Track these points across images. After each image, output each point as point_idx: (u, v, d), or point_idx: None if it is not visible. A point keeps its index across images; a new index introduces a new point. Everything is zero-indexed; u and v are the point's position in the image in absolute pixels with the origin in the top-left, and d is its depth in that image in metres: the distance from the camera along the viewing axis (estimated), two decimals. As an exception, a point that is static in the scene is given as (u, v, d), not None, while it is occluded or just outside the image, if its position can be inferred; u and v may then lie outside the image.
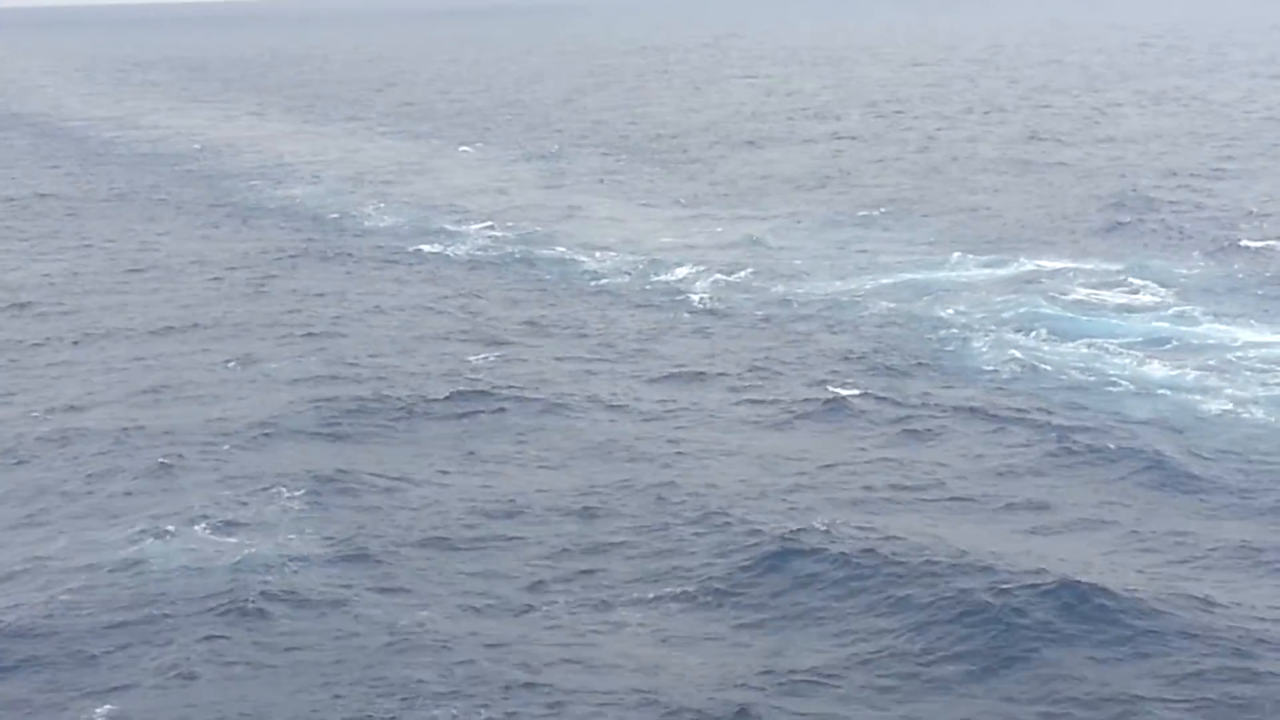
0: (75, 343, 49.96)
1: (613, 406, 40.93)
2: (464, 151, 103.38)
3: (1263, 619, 26.42)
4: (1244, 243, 60.35)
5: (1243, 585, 28.17)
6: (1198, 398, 39.80)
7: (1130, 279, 54.17)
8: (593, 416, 40.05)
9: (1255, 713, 23.45)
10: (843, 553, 29.31)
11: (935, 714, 23.91)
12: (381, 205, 78.38)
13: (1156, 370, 42.54)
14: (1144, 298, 51.74)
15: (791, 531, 30.46)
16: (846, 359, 45.27)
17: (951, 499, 33.29)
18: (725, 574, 29.03)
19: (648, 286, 57.03)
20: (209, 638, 26.59)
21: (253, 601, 27.71)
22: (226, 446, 37.43)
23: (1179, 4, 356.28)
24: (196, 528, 31.51)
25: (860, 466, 35.46)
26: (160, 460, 36.28)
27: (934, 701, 24.28)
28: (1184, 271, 55.25)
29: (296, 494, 33.57)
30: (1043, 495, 33.27)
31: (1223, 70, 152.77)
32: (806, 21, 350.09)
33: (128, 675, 25.58)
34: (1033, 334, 47.01)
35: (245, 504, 33.07)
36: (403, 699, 24.31)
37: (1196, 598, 27.22)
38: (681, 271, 59.20)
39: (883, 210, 71.90)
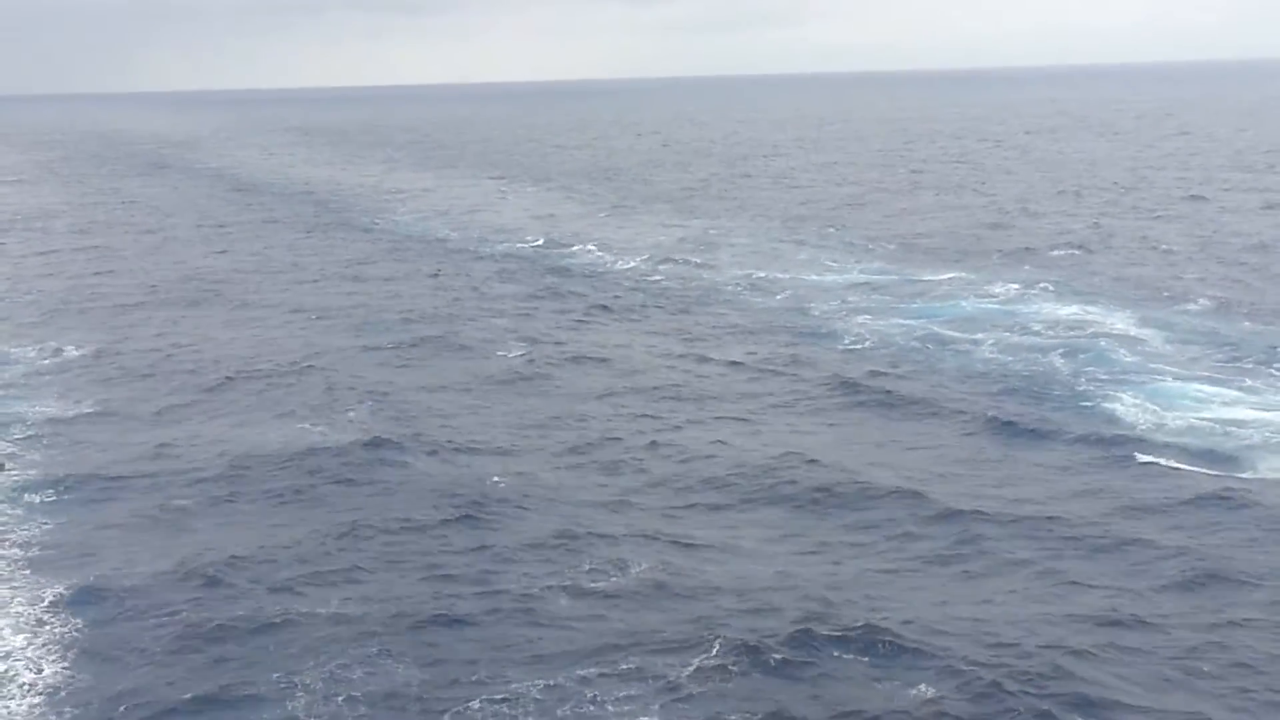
0: (244, 306, 57.80)
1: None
2: (507, 186, 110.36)
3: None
4: (1059, 251, 66.09)
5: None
6: (990, 348, 45.39)
7: (988, 281, 58.72)
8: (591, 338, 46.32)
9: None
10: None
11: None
12: (456, 225, 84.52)
13: (972, 334, 47.75)
14: (996, 290, 56.35)
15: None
16: (740, 329, 50.86)
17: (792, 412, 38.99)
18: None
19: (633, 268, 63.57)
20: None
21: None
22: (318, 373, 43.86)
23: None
24: (304, 424, 37.62)
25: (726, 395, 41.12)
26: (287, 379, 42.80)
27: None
28: (1022, 274, 60.03)
29: (368, 403, 39.53)
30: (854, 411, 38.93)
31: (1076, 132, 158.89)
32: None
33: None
34: (891, 318, 51.50)
35: (333, 409, 39.23)
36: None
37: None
38: (646, 259, 66.89)
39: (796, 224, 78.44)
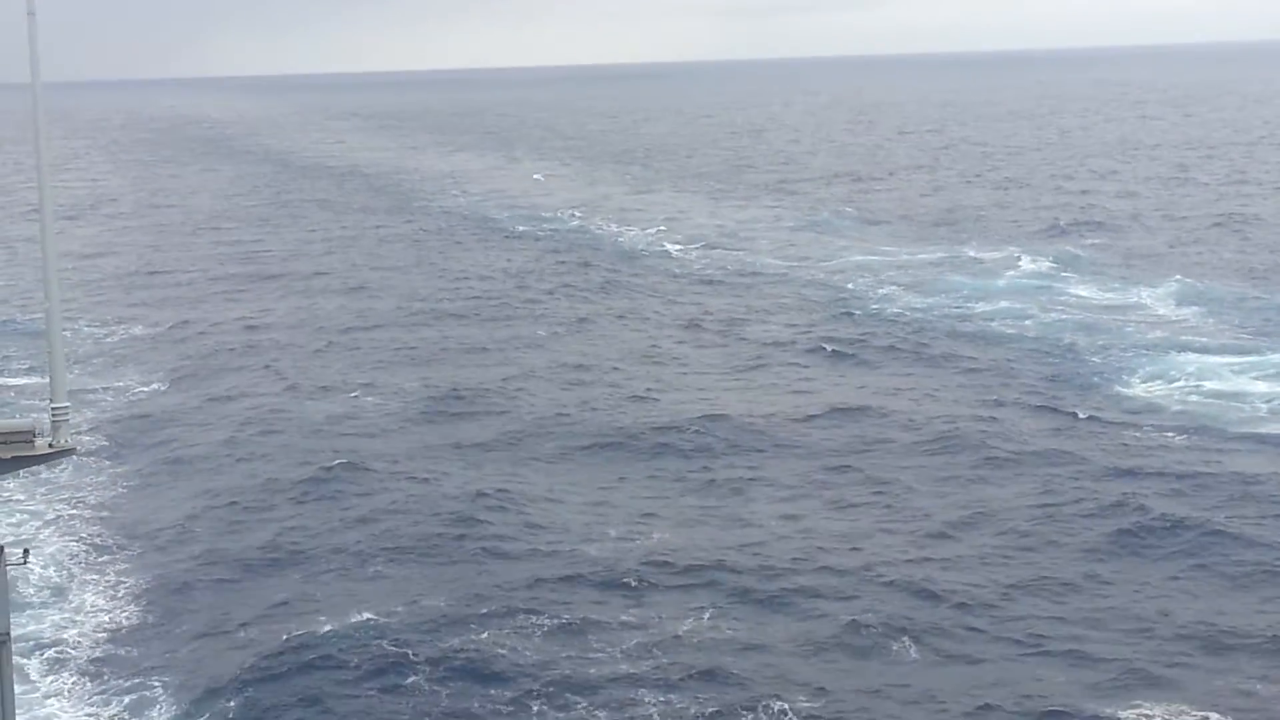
0: (297, 283, 59.71)
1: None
2: (562, 168, 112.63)
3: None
4: (1093, 230, 67.37)
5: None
6: (1019, 319, 46.99)
7: (1021, 256, 59.94)
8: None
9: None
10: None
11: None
12: (508, 206, 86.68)
13: (1004, 306, 49.35)
14: (1029, 266, 57.75)
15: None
16: (782, 304, 52.55)
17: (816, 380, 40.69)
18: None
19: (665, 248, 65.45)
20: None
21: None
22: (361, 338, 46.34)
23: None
24: (354, 393, 39.93)
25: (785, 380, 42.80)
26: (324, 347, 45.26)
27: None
28: (1056, 250, 61.02)
29: (413, 373, 41.80)
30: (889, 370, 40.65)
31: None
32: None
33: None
34: (926, 294, 52.90)
35: (379, 377, 41.56)
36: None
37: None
38: (692, 238, 67.97)
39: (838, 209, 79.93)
